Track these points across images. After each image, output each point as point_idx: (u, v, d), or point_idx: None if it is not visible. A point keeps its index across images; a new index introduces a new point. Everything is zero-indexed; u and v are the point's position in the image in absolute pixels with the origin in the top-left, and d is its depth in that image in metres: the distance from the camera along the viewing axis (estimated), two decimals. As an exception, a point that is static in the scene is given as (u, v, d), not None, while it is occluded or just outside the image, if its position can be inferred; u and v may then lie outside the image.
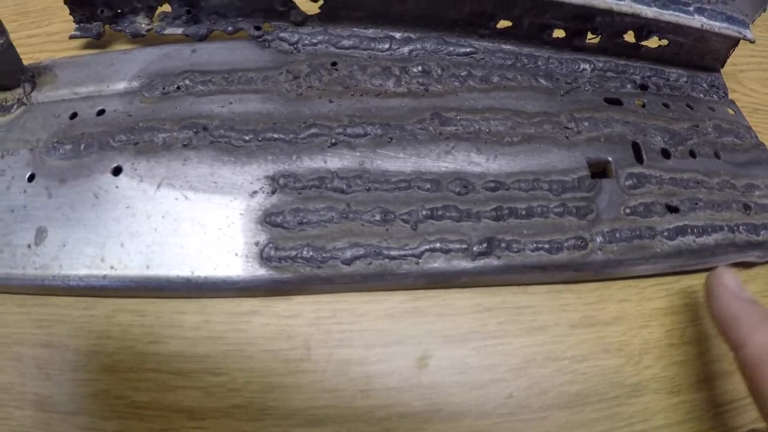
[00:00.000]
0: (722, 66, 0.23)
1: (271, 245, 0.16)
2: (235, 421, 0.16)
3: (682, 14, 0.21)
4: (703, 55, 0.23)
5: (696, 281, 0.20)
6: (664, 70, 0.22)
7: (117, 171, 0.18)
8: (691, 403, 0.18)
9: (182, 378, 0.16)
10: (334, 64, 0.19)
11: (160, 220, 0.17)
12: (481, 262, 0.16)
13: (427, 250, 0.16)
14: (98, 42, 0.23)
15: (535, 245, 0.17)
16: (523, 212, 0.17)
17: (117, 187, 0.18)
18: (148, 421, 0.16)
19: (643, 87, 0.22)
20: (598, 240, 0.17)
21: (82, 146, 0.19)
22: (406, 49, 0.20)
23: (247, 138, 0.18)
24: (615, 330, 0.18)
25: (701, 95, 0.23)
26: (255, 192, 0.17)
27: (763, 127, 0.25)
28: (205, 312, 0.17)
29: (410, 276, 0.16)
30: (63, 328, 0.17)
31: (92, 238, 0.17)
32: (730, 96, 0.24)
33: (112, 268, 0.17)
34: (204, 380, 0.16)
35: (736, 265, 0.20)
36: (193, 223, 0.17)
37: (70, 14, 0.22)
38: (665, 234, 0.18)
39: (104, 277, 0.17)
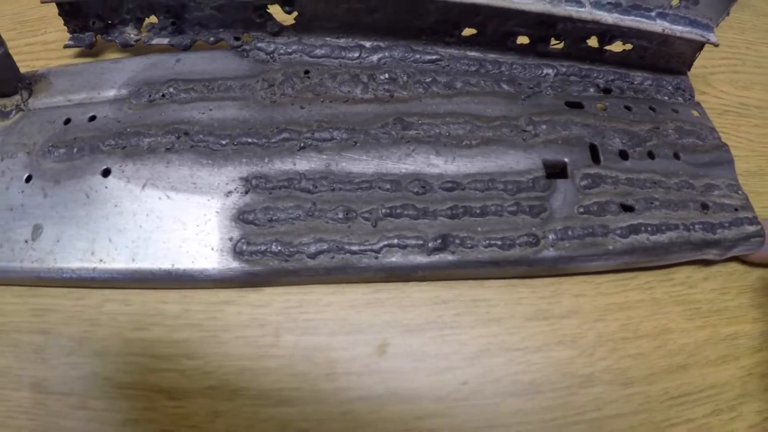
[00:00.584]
0: (689, 69, 0.25)
1: (243, 240, 0.19)
2: (210, 400, 0.18)
3: (643, 19, 0.22)
4: (669, 58, 0.24)
5: (652, 278, 0.21)
6: (628, 74, 0.24)
7: (106, 173, 0.20)
8: (644, 395, 0.19)
9: (162, 361, 0.18)
10: (306, 72, 0.22)
11: (144, 218, 0.19)
12: (435, 257, 0.18)
13: (385, 246, 0.18)
14: (91, 51, 0.25)
15: (488, 242, 0.19)
16: (478, 211, 0.19)
17: (106, 187, 0.20)
18: (133, 400, 0.18)
19: (607, 90, 0.23)
20: (550, 237, 0.19)
21: (75, 150, 0.21)
22: (375, 57, 0.22)
23: (223, 142, 0.20)
24: (569, 323, 0.20)
25: (666, 98, 0.24)
26: (230, 192, 0.19)
27: (732, 128, 0.26)
28: (184, 302, 0.19)
29: (370, 269, 0.18)
30: (57, 317, 0.20)
31: (83, 234, 0.19)
32: (700, 97, 0.25)
33: (101, 261, 0.19)
34: (182, 363, 0.18)
35: (695, 262, 0.22)
36: (175, 221, 0.19)
37: (64, 25, 0.24)
38: (618, 232, 0.20)
39: (94, 269, 0.19)
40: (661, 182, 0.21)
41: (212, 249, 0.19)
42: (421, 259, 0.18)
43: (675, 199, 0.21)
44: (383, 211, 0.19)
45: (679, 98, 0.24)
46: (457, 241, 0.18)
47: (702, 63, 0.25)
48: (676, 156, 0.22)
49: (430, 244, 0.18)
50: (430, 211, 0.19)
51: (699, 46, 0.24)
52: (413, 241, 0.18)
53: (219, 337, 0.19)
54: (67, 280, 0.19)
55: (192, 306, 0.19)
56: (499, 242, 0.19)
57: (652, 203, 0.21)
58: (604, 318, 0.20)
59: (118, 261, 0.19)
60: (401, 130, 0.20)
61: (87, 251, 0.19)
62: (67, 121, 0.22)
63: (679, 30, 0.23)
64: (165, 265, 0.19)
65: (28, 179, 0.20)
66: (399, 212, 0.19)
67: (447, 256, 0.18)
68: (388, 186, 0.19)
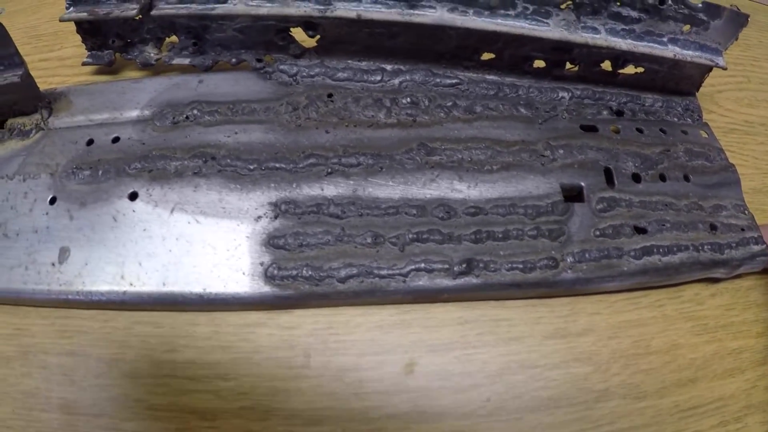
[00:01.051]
0: (697, 90, 0.26)
1: (274, 265, 0.20)
2: (244, 420, 0.19)
3: (656, 45, 0.24)
4: (679, 80, 0.25)
5: (663, 295, 0.23)
6: (639, 96, 0.25)
7: (133, 196, 0.21)
8: (656, 408, 0.21)
9: (195, 383, 0.19)
10: (330, 95, 0.23)
11: (174, 242, 0.20)
12: (461, 281, 0.20)
13: (413, 270, 0.19)
14: (109, 69, 0.26)
15: (510, 265, 0.20)
16: (500, 235, 0.20)
17: (134, 211, 0.21)
18: (165, 421, 0.19)
19: (619, 113, 0.25)
20: (568, 260, 0.21)
21: (100, 172, 0.22)
22: (396, 81, 0.23)
23: (251, 167, 0.21)
24: (585, 341, 0.21)
25: (675, 119, 0.26)
26: (259, 217, 0.20)
27: (737, 147, 0.28)
28: (215, 324, 0.20)
29: (398, 293, 0.19)
30: (85, 339, 0.20)
31: (112, 258, 0.20)
32: (707, 117, 0.27)
33: (131, 285, 0.20)
34: (215, 384, 0.19)
35: (703, 280, 0.23)
36: (205, 245, 0.20)
37: (82, 42, 0.25)
38: (632, 254, 0.21)
39: (124, 293, 0.20)
40: (672, 204, 0.23)
41: (244, 273, 0.20)
42: (447, 282, 0.19)
43: (685, 221, 0.22)
44: (410, 236, 0.20)
45: (688, 119, 0.26)
46: (481, 264, 0.20)
47: (709, 81, 0.26)
48: (686, 178, 0.24)
49: (455, 268, 0.20)
50: (455, 236, 0.20)
51: (708, 69, 0.25)
52: (439, 265, 0.20)
53: (251, 358, 0.20)
54: (97, 303, 0.20)
55: (222, 328, 0.20)
56: (521, 265, 0.20)
57: (663, 225, 0.22)
58: (618, 335, 0.22)
59: (149, 285, 0.20)
60: (425, 155, 0.21)
61: (117, 275, 0.20)
62: (90, 142, 0.22)
63: (690, 55, 0.24)
64: (196, 289, 0.20)
65: (53, 201, 0.21)
66: (425, 237, 0.20)
67: (472, 280, 0.20)
68: (414, 211, 0.20)
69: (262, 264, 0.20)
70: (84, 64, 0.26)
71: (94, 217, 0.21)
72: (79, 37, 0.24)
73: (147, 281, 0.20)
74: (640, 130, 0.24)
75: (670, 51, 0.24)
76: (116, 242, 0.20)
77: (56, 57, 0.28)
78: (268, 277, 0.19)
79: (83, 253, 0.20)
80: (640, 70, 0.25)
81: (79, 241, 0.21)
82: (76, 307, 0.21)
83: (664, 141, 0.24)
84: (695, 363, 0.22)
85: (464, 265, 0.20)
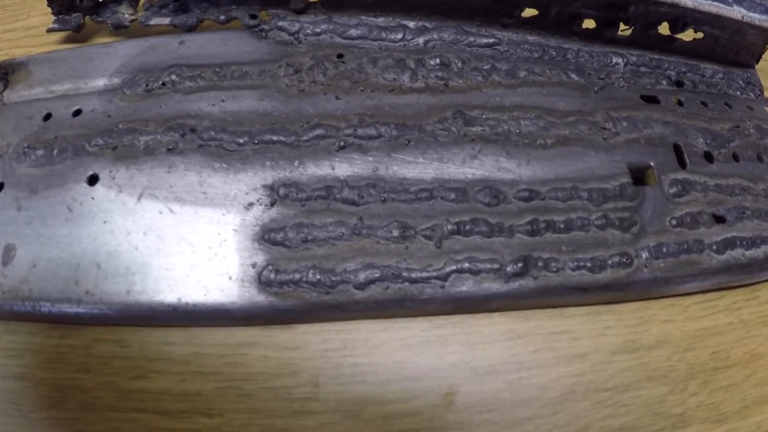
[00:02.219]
0: (757, 62, 0.20)
1: (270, 267, 0.13)
2: (232, 473, 0.12)
3: (721, 4, 0.17)
4: (739, 49, 0.19)
5: (739, 297, 0.17)
6: (699, 66, 0.19)
7: (93, 180, 0.14)
8: (738, 432, 0.15)
9: (171, 419, 0.13)
10: (340, 56, 0.16)
11: (141, 238, 0.14)
12: (515, 284, 0.13)
13: (453, 272, 0.13)
14: (78, 35, 0.19)
15: (575, 263, 0.13)
16: (562, 225, 0.14)
17: (93, 198, 0.14)
18: (131, 470, 0.12)
19: (679, 83, 0.18)
20: (644, 256, 0.14)
21: (56, 151, 0.15)
22: (421, 40, 0.16)
23: (241, 141, 0.14)
24: (659, 354, 0.15)
25: (738, 93, 0.19)
26: (251, 204, 0.14)
27: (795, 127, 0.21)
28: (194, 343, 0.14)
29: (434, 302, 0.13)
30: (36, 359, 0.14)
31: (65, 258, 0.14)
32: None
33: (87, 292, 0.13)
34: (196, 422, 0.13)
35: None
36: (180, 241, 0.13)
37: (48, 5, 0.18)
38: (714, 247, 0.15)
39: (79, 302, 0.13)
40: (749, 189, 0.16)
41: (230, 278, 0.13)
42: (497, 287, 0.13)
43: (765, 208, 0.16)
44: (449, 227, 0.13)
45: (750, 94, 0.19)
46: (540, 263, 0.13)
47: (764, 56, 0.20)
48: (760, 158, 0.17)
49: (508, 269, 0.13)
50: (506, 227, 0.13)
51: (771, 35, 0.19)
52: (488, 265, 0.13)
53: (241, 388, 0.13)
54: (47, 316, 0.14)
55: (204, 349, 0.14)
56: (589, 263, 0.14)
57: (743, 213, 0.16)
58: (694, 346, 0.15)
59: (109, 293, 0.13)
60: (463, 125, 0.15)
61: (70, 280, 0.14)
62: (48, 117, 0.16)
63: (757, 18, 0.18)
64: (169, 298, 0.13)
65: None
66: (468, 229, 0.13)
67: (528, 283, 0.13)
68: (453, 195, 0.14)
69: (254, 266, 0.13)
70: (49, 30, 0.19)
71: (46, 208, 0.14)
72: (46, 4, 0.18)
73: (107, 288, 0.13)
74: (704, 104, 0.18)
75: (737, 12, 0.18)
76: (70, 238, 0.14)
77: (22, 27, 0.21)
78: (263, 283, 0.13)
79: (31, 253, 0.14)
80: (700, 35, 0.18)
81: (28, 238, 0.14)
82: (24, 319, 0.14)
83: (732, 116, 0.18)
84: (778, 375, 0.16)
85: (519, 265, 0.13)
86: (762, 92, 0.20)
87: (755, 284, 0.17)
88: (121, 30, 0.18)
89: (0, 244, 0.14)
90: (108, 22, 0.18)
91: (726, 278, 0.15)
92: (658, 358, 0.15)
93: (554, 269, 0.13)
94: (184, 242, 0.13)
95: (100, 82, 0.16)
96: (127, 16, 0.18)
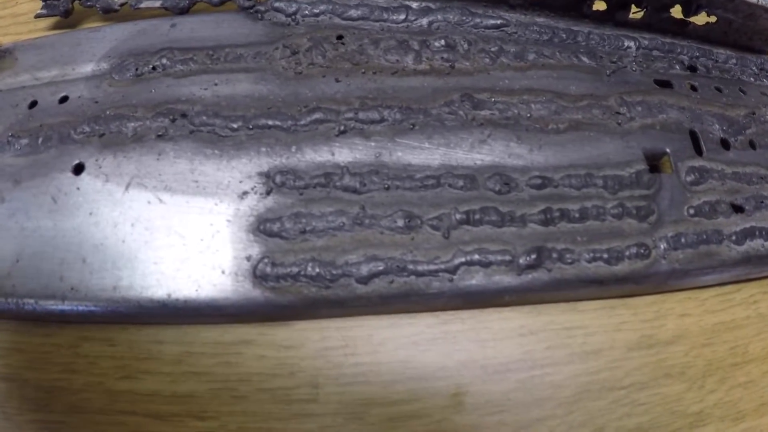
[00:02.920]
0: (770, 47, 0.19)
1: (266, 260, 0.12)
2: (226, 480, 0.11)
3: (737, -16, 0.16)
4: (752, 34, 0.18)
5: (756, 289, 0.15)
6: (712, 51, 0.17)
7: (79, 169, 0.13)
8: (757, 430, 0.14)
9: (161, 423, 0.12)
10: (340, 37, 0.14)
11: (129, 230, 0.12)
12: (528, 277, 0.12)
13: (462, 264, 0.12)
14: (67, 21, 0.18)
15: (591, 255, 0.12)
16: (576, 215, 0.12)
17: (78, 188, 0.13)
18: (119, 477, 0.11)
19: (692, 68, 0.17)
20: (662, 247, 0.13)
21: (40, 140, 0.14)
22: (425, 21, 0.15)
23: (235, 126, 0.13)
24: (676, 350, 0.14)
25: (751, 79, 0.18)
26: (245, 193, 0.12)
27: (806, 116, 0.20)
28: (186, 341, 0.12)
29: (442, 296, 0.12)
30: (21, 359, 0.13)
31: (49, 252, 0.12)
32: (773, 81, 0.19)
33: (72, 288, 0.12)
34: (188, 425, 0.12)
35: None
36: (170, 233, 0.12)
37: (35, -11, 0.17)
38: (733, 238, 0.14)
39: (64, 299, 0.12)
40: (766, 177, 0.15)
41: (223, 272, 0.12)
42: (509, 280, 0.12)
43: (783, 197, 0.15)
44: (457, 216, 0.12)
45: (764, 80, 0.18)
46: (555, 255, 0.12)
47: (775, 43, 0.19)
48: (776, 145, 0.16)
49: (521, 260, 0.12)
50: (518, 216, 0.12)
51: (785, 20, 0.18)
52: (499, 257, 0.12)
53: (236, 389, 0.12)
54: (31, 313, 0.12)
55: (196, 347, 0.12)
56: (605, 255, 0.12)
57: (762, 202, 0.14)
58: (712, 342, 0.14)
59: (95, 289, 0.12)
60: (471, 109, 0.13)
61: (54, 275, 0.12)
62: (33, 104, 0.15)
63: (772, -1, 0.16)
64: (158, 294, 0.12)
65: None
66: (478, 218, 0.12)
67: (542, 275, 0.12)
68: (461, 183, 0.12)
69: (249, 258, 0.12)
70: (37, 16, 0.17)
71: (30, 199, 0.13)
72: None
73: (92, 284, 0.12)
74: (719, 89, 0.17)
75: (752, -7, 0.16)
76: (54, 231, 0.13)
77: (9, 14, 0.19)
78: (258, 277, 0.12)
79: (15, 247, 0.13)
80: (713, 19, 0.17)
81: (11, 231, 0.13)
82: (7, 317, 0.13)
83: (747, 103, 0.17)
84: (794, 371, 0.15)
85: (533, 256, 0.12)
86: (775, 79, 0.19)
87: (772, 276, 0.16)
88: (110, 14, 0.17)
89: (-18, 238, 0.13)
90: (97, 6, 0.17)
91: (745, 270, 0.14)
92: (676, 354, 0.14)
93: (569, 261, 0.12)
94: (174, 234, 0.12)
95: (88, 68, 0.15)
96: (116, -1, 0.17)
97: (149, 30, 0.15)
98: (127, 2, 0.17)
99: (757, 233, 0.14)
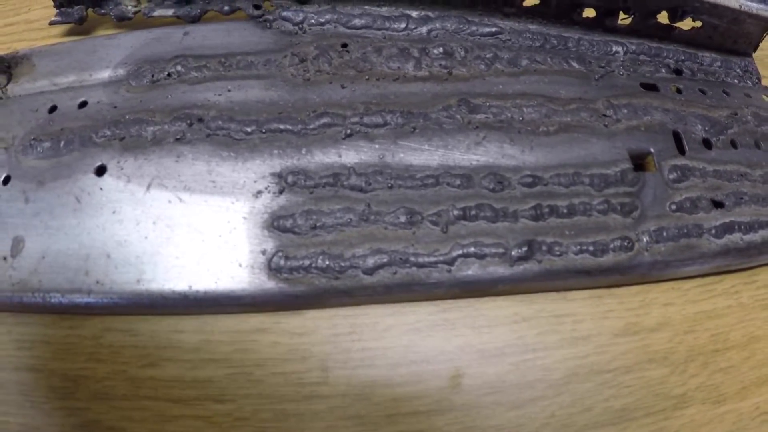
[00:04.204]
0: (754, 50, 0.20)
1: (280, 254, 0.13)
2: (244, 456, 0.12)
3: (720, -8, 0.17)
4: (737, 38, 0.19)
5: (737, 280, 0.17)
6: (697, 54, 0.19)
7: (101, 171, 0.14)
8: (737, 413, 0.15)
9: (182, 406, 0.13)
10: (344, 45, 0.16)
11: (151, 227, 0.14)
12: (520, 268, 0.13)
13: (460, 256, 0.13)
14: (81, 27, 0.19)
15: (578, 247, 0.14)
16: (565, 210, 0.14)
17: (101, 189, 0.14)
18: (144, 455, 0.13)
19: (678, 72, 0.18)
20: (644, 240, 0.14)
21: (62, 143, 0.15)
22: (424, 29, 0.16)
23: (248, 130, 0.14)
24: (660, 337, 0.15)
25: (735, 81, 0.19)
26: (259, 192, 0.14)
27: (790, 115, 0.22)
28: (205, 330, 0.14)
29: (442, 286, 0.13)
30: (47, 350, 0.14)
31: (74, 249, 0.14)
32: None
33: (97, 282, 0.13)
34: (207, 408, 0.13)
35: (776, 261, 0.17)
36: (190, 230, 0.13)
37: (50, -2, 0.18)
38: (712, 232, 0.15)
39: (89, 292, 0.13)
40: (747, 174, 0.17)
41: (240, 265, 0.13)
42: (502, 270, 0.13)
43: (762, 194, 0.16)
44: (454, 212, 0.13)
45: (748, 82, 0.20)
46: (544, 247, 0.13)
47: (761, 45, 0.20)
48: (757, 145, 0.17)
49: (513, 252, 0.13)
50: (510, 212, 0.14)
51: None
52: (493, 249, 0.13)
53: (251, 374, 0.13)
54: (57, 307, 0.14)
55: (215, 336, 0.14)
56: (591, 247, 0.14)
57: (741, 198, 0.16)
58: (695, 329, 0.16)
59: (119, 282, 0.13)
60: (467, 113, 0.15)
61: (80, 270, 0.14)
62: (53, 109, 0.16)
63: (755, 7, 0.18)
64: (180, 286, 0.13)
65: (6, 181, 0.15)
66: (473, 214, 0.13)
67: (533, 267, 0.13)
68: (458, 182, 0.14)
69: (264, 252, 0.13)
70: (52, 23, 0.19)
71: (54, 199, 0.14)
72: None
73: (117, 278, 0.13)
74: (702, 92, 0.18)
75: (735, 1, 0.18)
76: (79, 229, 0.14)
77: (23, 20, 0.20)
78: (273, 270, 0.13)
79: (40, 244, 0.14)
80: (698, 24, 0.18)
81: (36, 229, 0.14)
82: (34, 311, 0.14)
83: (729, 104, 0.18)
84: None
85: (524, 249, 0.13)
86: (759, 80, 0.20)
87: (753, 268, 0.18)
88: (124, 22, 0.18)
89: (8, 236, 0.14)
90: (111, 14, 0.18)
91: (725, 262, 0.16)
92: (659, 341, 0.15)
93: (558, 253, 0.13)
94: (194, 230, 0.13)
95: (105, 74, 0.16)
96: (130, 7, 0.18)
97: (163, 38, 0.17)
98: (140, 11, 0.18)
99: (736, 227, 0.16)
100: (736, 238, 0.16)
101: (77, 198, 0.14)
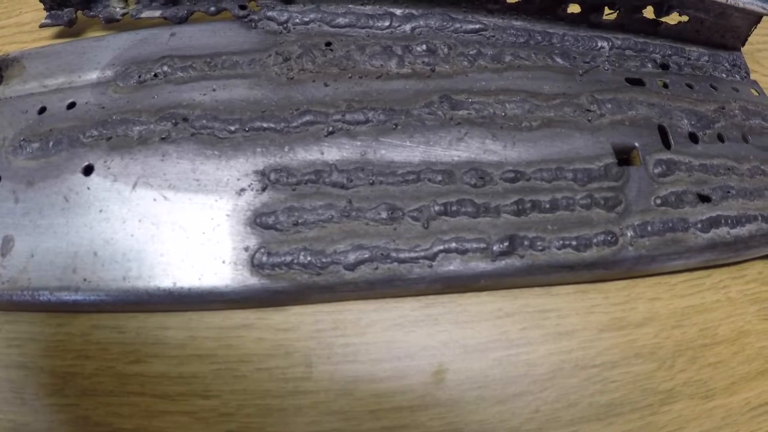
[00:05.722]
0: (743, 44, 0.20)
1: (262, 250, 0.13)
2: (228, 451, 0.13)
3: (705, -14, 0.18)
4: (724, 32, 0.19)
5: (726, 275, 0.17)
6: (684, 49, 0.19)
7: (88, 170, 0.15)
8: (726, 408, 0.15)
9: (168, 402, 0.13)
10: (328, 44, 0.16)
11: (136, 225, 0.14)
12: (502, 263, 0.13)
13: (441, 251, 0.13)
14: (71, 30, 0.19)
15: (561, 242, 0.14)
16: (547, 205, 0.14)
17: (88, 188, 0.15)
18: (131, 451, 0.13)
19: (664, 66, 0.19)
20: (629, 234, 0.14)
21: (51, 143, 0.15)
22: (408, 27, 0.17)
23: (232, 128, 0.14)
24: (646, 332, 0.15)
25: (723, 75, 0.19)
26: (243, 189, 0.14)
27: (782, 109, 0.22)
28: (190, 327, 0.14)
29: (423, 281, 0.13)
30: (36, 348, 0.14)
31: (63, 247, 0.14)
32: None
33: (85, 280, 0.14)
34: (193, 404, 0.13)
35: (765, 256, 0.17)
36: (174, 227, 0.14)
37: (40, 0, 0.18)
38: (699, 226, 0.15)
39: (77, 290, 0.14)
40: (734, 168, 0.17)
41: (223, 262, 0.13)
42: (484, 266, 0.13)
43: (750, 188, 0.17)
44: (436, 208, 0.14)
45: (736, 76, 0.20)
46: (526, 242, 0.14)
47: (749, 39, 0.20)
48: (745, 139, 0.18)
49: (494, 248, 0.13)
50: (492, 208, 0.14)
51: (756, 19, 0.19)
52: (474, 245, 0.13)
53: (236, 369, 0.14)
54: (46, 304, 0.14)
55: (200, 332, 0.14)
56: (574, 242, 0.14)
57: (728, 192, 0.16)
58: (682, 324, 0.16)
59: (106, 280, 0.14)
60: (449, 109, 0.15)
61: (68, 268, 0.14)
62: (42, 110, 0.16)
63: (742, 1, 0.18)
64: (165, 283, 0.13)
65: None
66: (455, 209, 0.14)
67: (515, 261, 0.13)
68: (440, 177, 0.14)
69: (246, 249, 0.13)
70: (42, 26, 0.19)
71: (43, 198, 0.15)
72: (38, 1, 0.18)
73: (104, 275, 0.14)
74: (689, 86, 0.18)
75: (721, -6, 0.18)
76: (67, 228, 0.14)
77: (14, 23, 0.21)
78: (255, 266, 0.13)
79: (29, 243, 0.14)
80: (684, 18, 0.19)
81: (26, 228, 0.15)
82: (23, 309, 0.15)
83: (717, 98, 0.18)
84: (763, 353, 0.16)
85: (505, 244, 0.13)
86: (748, 74, 0.21)
87: (742, 263, 0.18)
88: (112, 23, 0.19)
89: (-1, 235, 0.15)
90: (100, 16, 0.19)
91: (711, 256, 0.16)
92: (646, 336, 0.15)
93: (540, 248, 0.14)
94: (179, 228, 0.14)
95: (94, 75, 0.17)
96: (118, 9, 0.19)
97: (150, 39, 0.17)
98: (128, 12, 0.19)
99: (722, 221, 0.16)
100: (722, 232, 0.16)
101: (65, 197, 0.15)
